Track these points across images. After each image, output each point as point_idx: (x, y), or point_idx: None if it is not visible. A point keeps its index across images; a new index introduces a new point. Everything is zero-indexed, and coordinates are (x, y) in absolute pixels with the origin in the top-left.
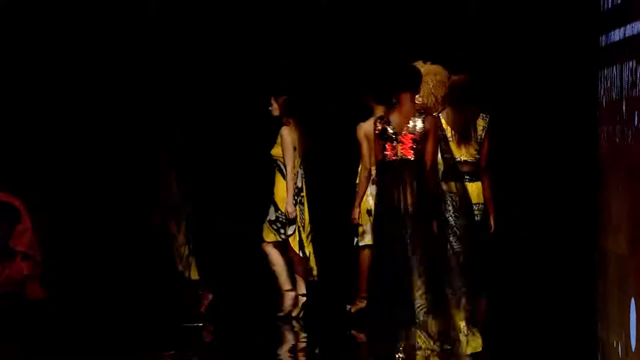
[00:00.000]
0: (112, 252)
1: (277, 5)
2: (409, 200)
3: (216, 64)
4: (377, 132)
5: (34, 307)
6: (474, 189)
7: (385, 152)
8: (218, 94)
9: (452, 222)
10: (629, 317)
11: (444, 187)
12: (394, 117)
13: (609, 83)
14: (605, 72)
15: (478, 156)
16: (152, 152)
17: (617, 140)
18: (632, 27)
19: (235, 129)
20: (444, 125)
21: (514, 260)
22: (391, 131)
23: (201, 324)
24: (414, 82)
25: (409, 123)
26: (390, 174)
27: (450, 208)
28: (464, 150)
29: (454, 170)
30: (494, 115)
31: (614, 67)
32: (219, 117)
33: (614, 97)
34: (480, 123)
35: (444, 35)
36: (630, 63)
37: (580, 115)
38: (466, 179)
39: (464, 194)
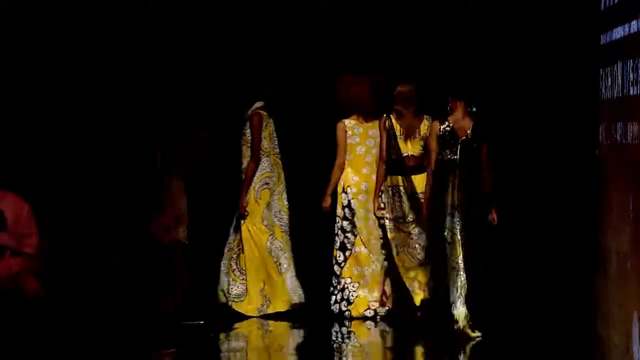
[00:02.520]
0: (112, 250)
1: (277, 5)
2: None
3: (216, 63)
4: (440, 133)
5: (33, 305)
6: (419, 180)
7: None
8: (218, 93)
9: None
10: (629, 316)
11: (393, 180)
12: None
13: (610, 81)
14: (606, 70)
15: (422, 152)
16: (151, 151)
17: (618, 138)
18: (633, 25)
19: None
20: (395, 125)
21: (514, 258)
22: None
23: (202, 322)
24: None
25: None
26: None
27: (398, 199)
28: (411, 146)
29: (400, 165)
30: (495, 113)
31: (615, 65)
32: (219, 117)
33: (615, 95)
34: (425, 123)
35: (444, 35)
36: (631, 61)
37: (581, 114)
38: (414, 171)
39: (410, 185)
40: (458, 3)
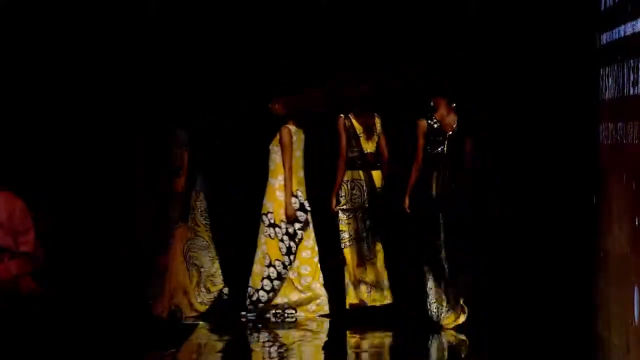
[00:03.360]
0: (111, 250)
1: (277, 5)
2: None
3: (215, 63)
4: (427, 130)
5: (29, 305)
6: (377, 175)
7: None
8: (218, 94)
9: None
10: (629, 316)
11: (354, 174)
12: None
13: (610, 81)
14: (606, 70)
15: (377, 148)
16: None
17: (618, 138)
18: (633, 25)
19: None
20: (355, 124)
21: (515, 259)
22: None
23: (201, 322)
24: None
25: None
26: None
27: (357, 192)
28: (370, 144)
29: (363, 161)
30: (494, 114)
31: (615, 65)
32: (218, 118)
33: (615, 95)
34: (377, 121)
35: (444, 35)
36: (632, 61)
37: (581, 114)
38: (374, 167)
39: (370, 180)
40: (458, 3)
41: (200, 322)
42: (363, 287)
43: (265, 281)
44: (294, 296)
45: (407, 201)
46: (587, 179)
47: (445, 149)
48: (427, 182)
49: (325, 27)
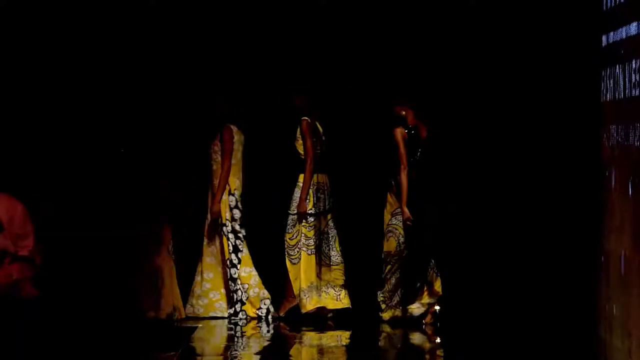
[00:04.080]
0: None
1: (277, 4)
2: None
3: (214, 63)
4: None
5: (28, 308)
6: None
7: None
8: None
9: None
10: (631, 318)
11: (319, 177)
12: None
13: (611, 83)
14: (608, 72)
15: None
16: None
17: (620, 139)
18: (635, 26)
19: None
20: (318, 126)
21: (517, 260)
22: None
23: (200, 325)
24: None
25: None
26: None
27: (322, 195)
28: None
29: (325, 162)
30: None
31: (617, 67)
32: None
33: (617, 96)
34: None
35: (444, 34)
36: (634, 62)
37: (583, 115)
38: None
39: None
40: (458, 3)
41: (199, 325)
42: (323, 293)
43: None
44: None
45: (406, 211)
46: (588, 180)
47: (419, 154)
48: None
49: (325, 27)
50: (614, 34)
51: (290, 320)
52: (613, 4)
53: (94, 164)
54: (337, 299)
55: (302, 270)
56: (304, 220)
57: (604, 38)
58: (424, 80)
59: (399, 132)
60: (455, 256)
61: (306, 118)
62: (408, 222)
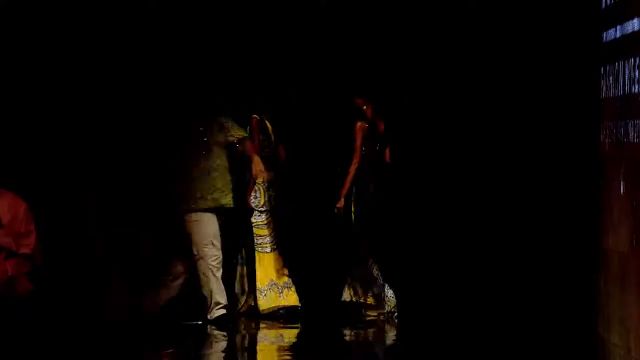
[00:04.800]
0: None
1: (276, 4)
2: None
3: (214, 63)
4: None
5: (24, 305)
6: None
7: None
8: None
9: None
10: (631, 317)
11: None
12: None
13: (611, 79)
14: (608, 68)
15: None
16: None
17: (619, 136)
18: (634, 23)
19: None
20: (267, 125)
21: (515, 258)
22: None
23: (200, 322)
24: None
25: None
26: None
27: (272, 192)
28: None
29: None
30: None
31: (617, 63)
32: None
33: (617, 93)
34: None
35: (445, 32)
36: (633, 59)
37: (583, 113)
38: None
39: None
40: (458, 3)
41: (200, 322)
42: (276, 291)
43: None
44: None
45: (342, 201)
46: (587, 178)
47: (378, 149)
48: (364, 182)
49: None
50: (613, 30)
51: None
52: (612, 1)
53: (98, 163)
54: (284, 297)
55: (258, 269)
56: (253, 220)
57: (603, 35)
58: (424, 79)
59: (359, 126)
60: (454, 254)
61: (256, 116)
62: (336, 211)
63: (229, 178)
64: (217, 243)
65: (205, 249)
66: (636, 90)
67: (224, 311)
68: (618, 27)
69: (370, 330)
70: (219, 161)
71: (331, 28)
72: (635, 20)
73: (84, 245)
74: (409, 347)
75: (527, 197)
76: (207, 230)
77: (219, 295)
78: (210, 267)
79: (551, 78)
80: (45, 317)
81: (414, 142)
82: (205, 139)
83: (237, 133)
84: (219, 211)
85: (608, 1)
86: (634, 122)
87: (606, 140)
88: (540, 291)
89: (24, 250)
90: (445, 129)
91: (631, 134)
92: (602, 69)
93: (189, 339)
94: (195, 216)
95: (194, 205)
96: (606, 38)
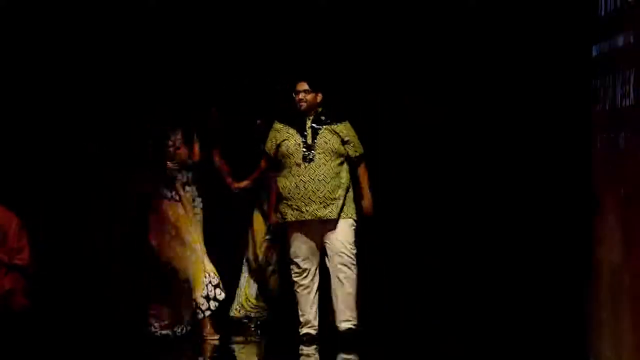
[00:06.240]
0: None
1: (276, 4)
2: None
3: (213, 63)
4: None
5: (20, 319)
6: None
7: None
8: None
9: None
10: (623, 328)
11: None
12: None
13: (602, 92)
14: (599, 82)
15: None
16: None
17: (611, 150)
18: (625, 36)
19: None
20: None
21: (507, 268)
22: None
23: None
24: None
25: None
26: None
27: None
28: None
29: None
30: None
31: (608, 77)
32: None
33: (607, 107)
34: None
35: (445, 32)
36: (625, 73)
37: (575, 124)
38: None
39: None
40: (454, 9)
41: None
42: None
43: None
44: None
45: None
46: (579, 190)
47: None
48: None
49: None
50: (605, 44)
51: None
52: (605, 14)
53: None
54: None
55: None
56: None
57: (595, 48)
58: (424, 79)
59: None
60: (454, 254)
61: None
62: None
63: None
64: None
65: None
66: (627, 104)
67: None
68: (610, 40)
69: None
70: None
71: (331, 28)
72: (627, 34)
73: (84, 250)
74: (409, 347)
75: (519, 208)
76: None
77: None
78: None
79: (544, 91)
80: (42, 331)
81: (414, 142)
82: None
83: None
84: None
85: (600, 14)
86: (625, 135)
87: (598, 153)
88: (532, 301)
89: (19, 262)
90: (445, 129)
91: (622, 147)
92: (593, 81)
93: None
94: None
95: None
96: (598, 51)
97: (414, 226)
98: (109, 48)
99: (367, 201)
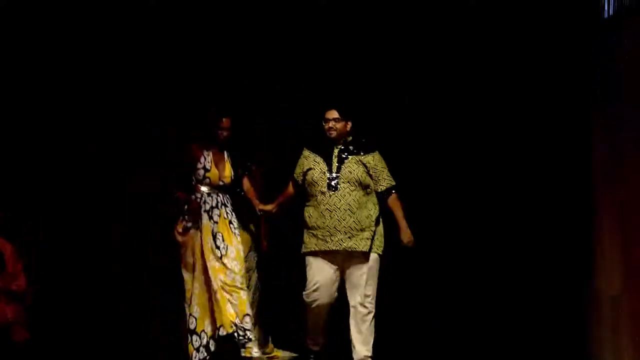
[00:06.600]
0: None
1: (276, 4)
2: None
3: (213, 63)
4: None
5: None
6: None
7: None
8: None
9: None
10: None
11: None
12: None
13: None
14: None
15: None
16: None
17: (611, 150)
18: (626, 37)
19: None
20: None
21: (506, 300)
22: None
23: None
24: None
25: None
26: None
27: None
28: None
29: None
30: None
31: (607, 78)
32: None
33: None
34: None
35: (444, 32)
36: (624, 74)
37: (575, 125)
38: None
39: None
40: (451, 11)
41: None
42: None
43: None
44: None
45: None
46: (579, 221)
47: None
48: None
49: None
50: (605, 44)
51: None
52: (605, 17)
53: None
54: None
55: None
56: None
57: (595, 48)
58: (424, 79)
59: None
60: (454, 254)
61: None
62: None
63: None
64: None
65: None
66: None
67: None
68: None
69: None
70: None
71: (331, 28)
72: (625, 37)
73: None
74: (409, 347)
75: (518, 238)
76: None
77: None
78: None
79: (543, 103)
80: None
81: (414, 142)
82: None
83: None
84: None
85: (601, 17)
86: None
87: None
88: (532, 333)
89: (15, 288)
90: (445, 129)
91: (622, 175)
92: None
93: None
94: None
95: None
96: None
97: (414, 226)
98: (109, 48)
99: (403, 234)
